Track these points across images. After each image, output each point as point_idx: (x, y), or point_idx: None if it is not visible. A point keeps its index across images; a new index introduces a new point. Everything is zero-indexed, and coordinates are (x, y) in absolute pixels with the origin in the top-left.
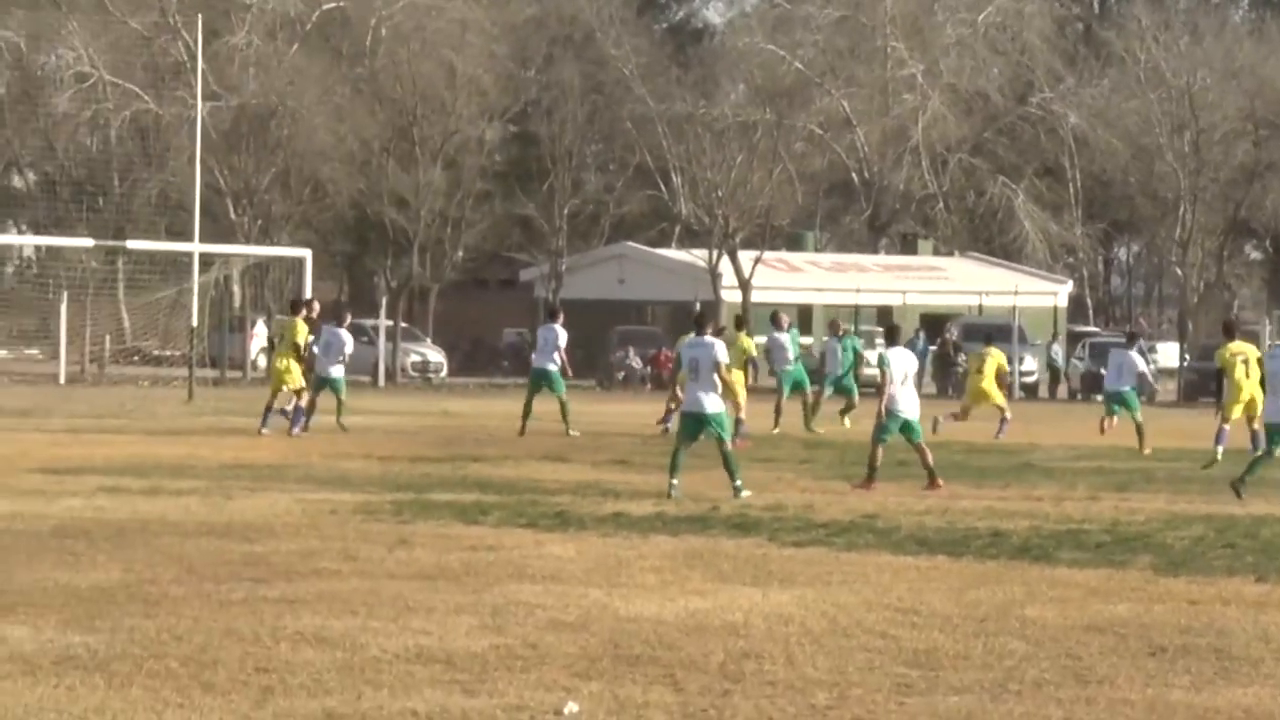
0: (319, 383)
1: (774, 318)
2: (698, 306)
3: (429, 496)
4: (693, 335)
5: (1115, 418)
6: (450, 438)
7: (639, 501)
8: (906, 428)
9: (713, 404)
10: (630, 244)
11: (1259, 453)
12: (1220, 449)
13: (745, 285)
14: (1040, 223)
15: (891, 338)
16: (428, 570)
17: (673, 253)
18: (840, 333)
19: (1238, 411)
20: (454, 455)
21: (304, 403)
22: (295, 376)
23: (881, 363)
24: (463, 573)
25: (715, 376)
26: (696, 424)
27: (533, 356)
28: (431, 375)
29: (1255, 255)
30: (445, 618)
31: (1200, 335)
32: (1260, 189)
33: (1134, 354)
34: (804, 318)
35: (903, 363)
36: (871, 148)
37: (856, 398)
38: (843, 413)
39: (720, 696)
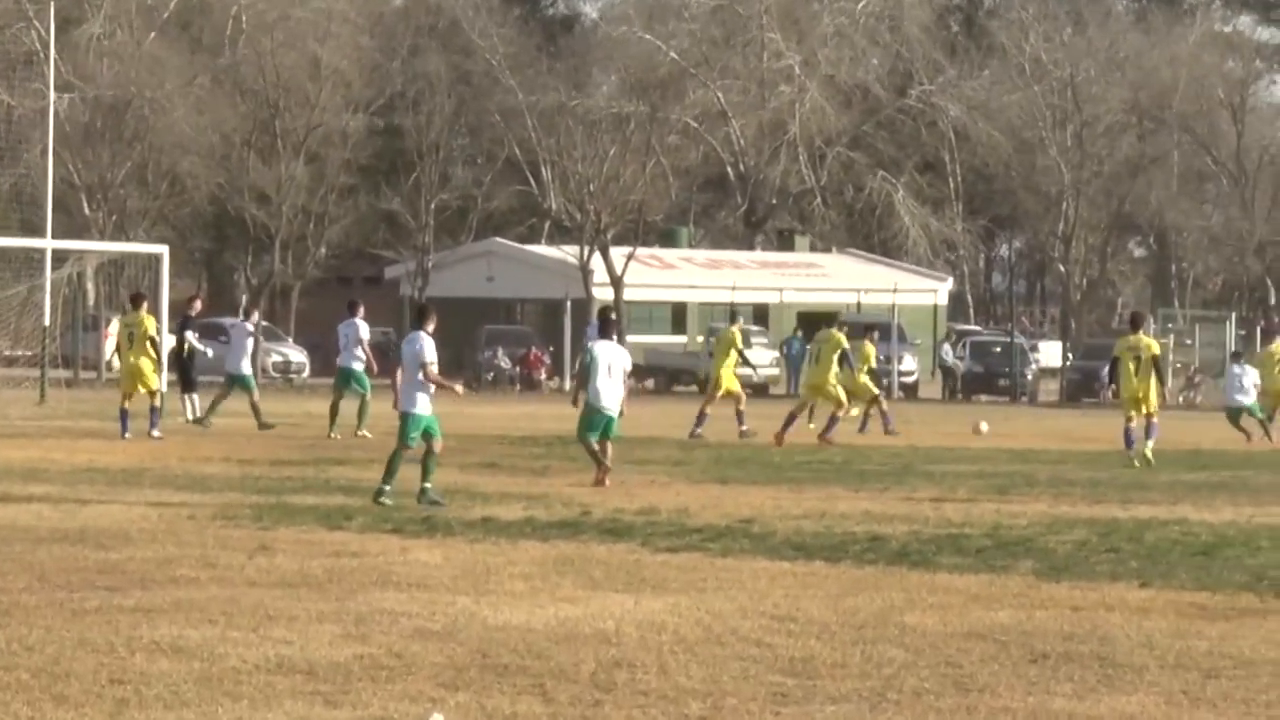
0: (342, 380)
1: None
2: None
3: (291, 501)
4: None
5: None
6: (313, 440)
7: (508, 506)
8: (607, 424)
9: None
10: (499, 240)
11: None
12: (1137, 448)
13: (617, 283)
14: (920, 218)
15: (605, 329)
16: (289, 578)
17: (543, 249)
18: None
19: (1129, 407)
20: (317, 458)
21: (158, 403)
22: (152, 377)
23: (586, 355)
24: (326, 580)
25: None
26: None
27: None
28: (294, 376)
29: (1139, 252)
30: (307, 626)
31: (1083, 334)
32: (1144, 183)
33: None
34: (677, 316)
35: (608, 355)
36: (747, 141)
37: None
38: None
39: (591, 707)
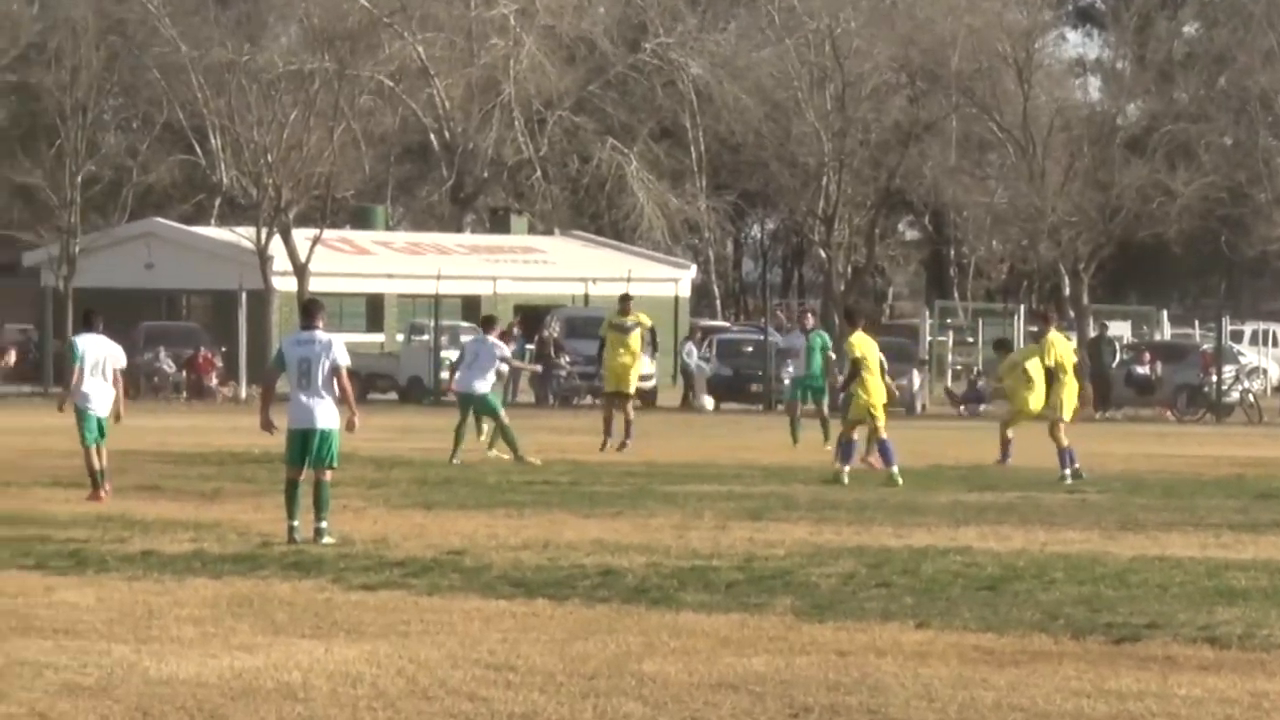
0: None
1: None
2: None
3: None
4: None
5: None
6: None
7: (173, 536)
8: (97, 425)
9: (327, 417)
10: (160, 220)
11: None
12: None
13: (301, 271)
14: (657, 195)
15: (88, 322)
16: None
17: (213, 231)
18: (809, 326)
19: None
20: None
21: None
22: None
23: (70, 350)
24: None
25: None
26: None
27: None
28: None
29: (912, 234)
30: None
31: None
32: (917, 154)
33: None
34: (373, 310)
35: (96, 351)
36: (453, 104)
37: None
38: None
39: None
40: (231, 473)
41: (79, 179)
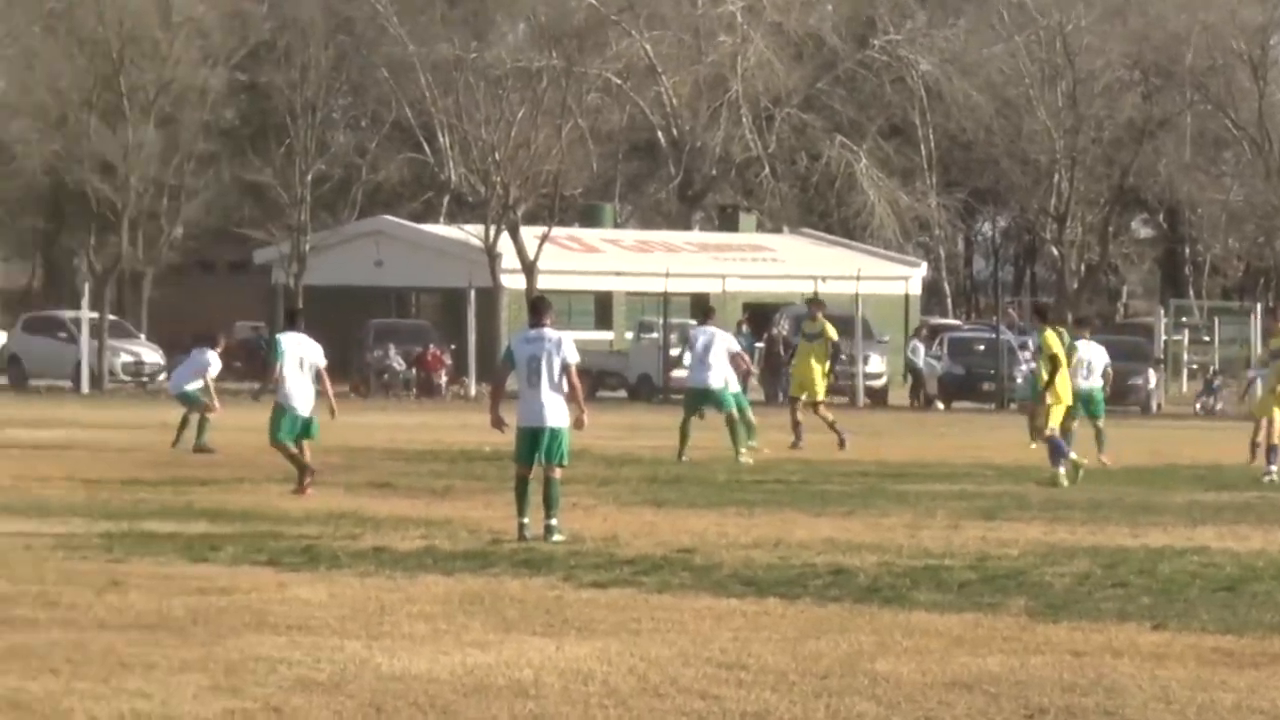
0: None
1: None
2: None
3: (146, 528)
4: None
5: None
6: (171, 456)
7: (404, 533)
8: (306, 425)
9: (556, 415)
10: (389, 218)
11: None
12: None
13: (530, 268)
14: (887, 192)
15: (291, 321)
16: (145, 619)
17: (441, 229)
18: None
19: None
20: (176, 478)
21: None
22: None
23: (274, 348)
24: (189, 621)
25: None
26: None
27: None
28: (146, 379)
29: (1146, 232)
30: (168, 677)
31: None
32: (1151, 151)
33: None
34: (602, 307)
35: (298, 349)
36: (681, 101)
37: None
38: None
39: None
40: (462, 470)
41: (309, 177)
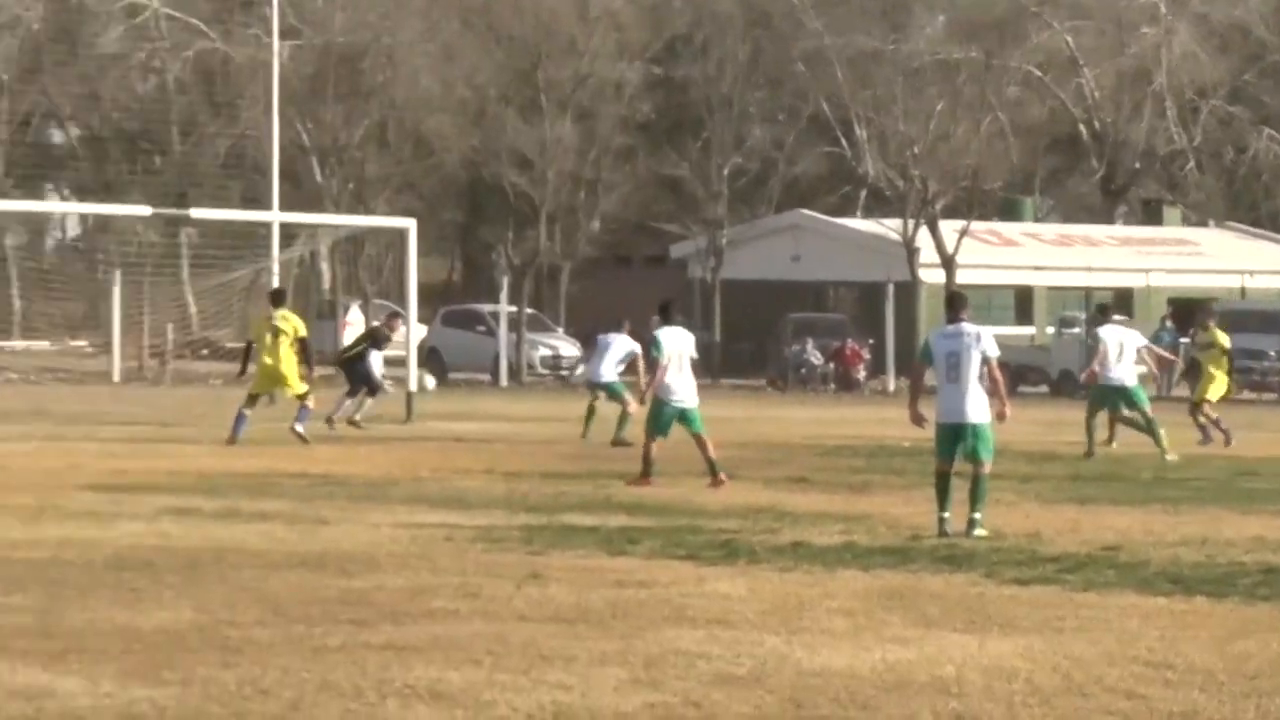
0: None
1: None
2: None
3: (565, 521)
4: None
5: None
6: (590, 449)
7: (823, 528)
8: (685, 417)
9: (977, 410)
10: (805, 212)
11: None
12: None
13: (949, 263)
14: None
15: (666, 315)
16: (565, 611)
17: (858, 222)
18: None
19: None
20: (595, 471)
21: (311, 404)
22: (297, 382)
23: (654, 345)
24: (608, 614)
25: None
26: (955, 436)
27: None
28: (564, 372)
29: None
30: (588, 670)
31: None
32: None
33: None
34: (1021, 302)
35: (676, 343)
36: (1103, 93)
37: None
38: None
39: None
40: (881, 465)
41: (725, 171)
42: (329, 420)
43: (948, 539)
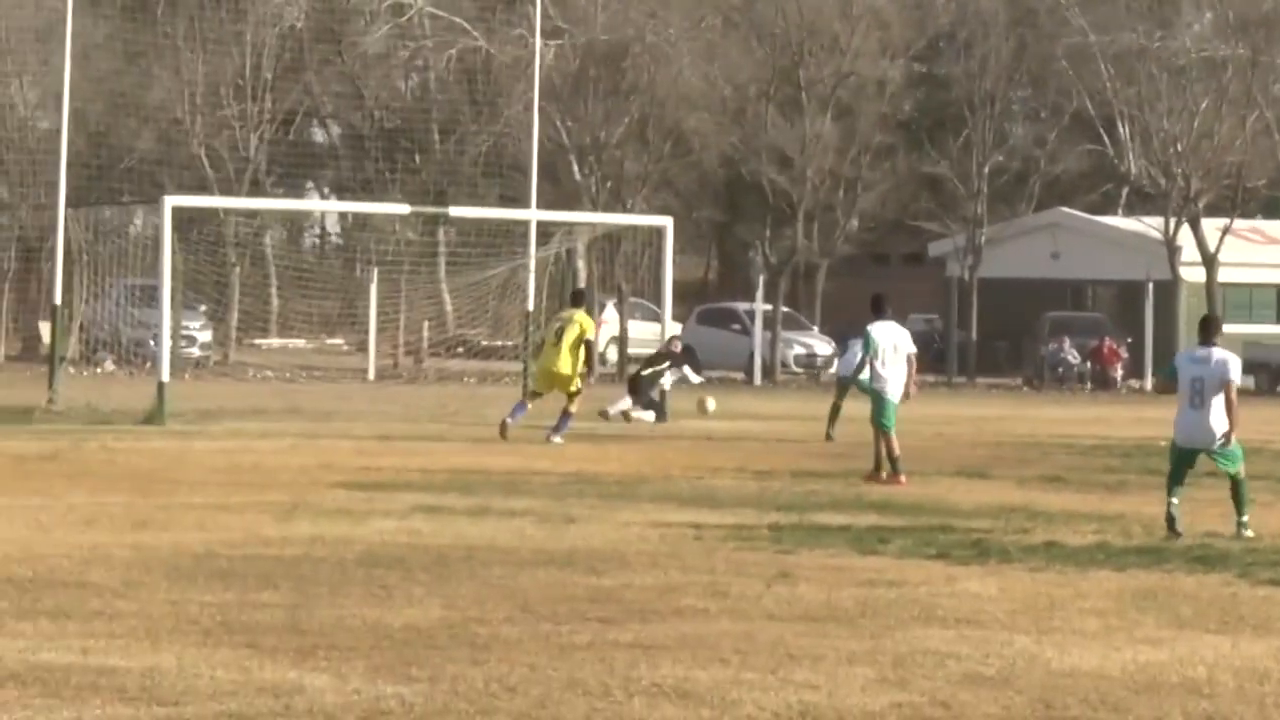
0: None
1: None
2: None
3: (816, 520)
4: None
5: None
6: (842, 448)
7: (1076, 528)
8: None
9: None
10: (1066, 210)
11: None
12: None
13: (1210, 261)
14: None
15: (878, 309)
16: (814, 610)
17: (1119, 221)
18: None
19: None
20: (847, 470)
21: (574, 409)
22: (573, 382)
23: (866, 340)
24: (857, 614)
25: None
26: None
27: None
28: (819, 371)
29: None
30: (835, 669)
31: None
32: None
33: None
34: None
35: (888, 336)
36: None
37: None
38: None
39: None
40: (1136, 465)
41: (986, 169)
42: (602, 413)
43: (1197, 540)
